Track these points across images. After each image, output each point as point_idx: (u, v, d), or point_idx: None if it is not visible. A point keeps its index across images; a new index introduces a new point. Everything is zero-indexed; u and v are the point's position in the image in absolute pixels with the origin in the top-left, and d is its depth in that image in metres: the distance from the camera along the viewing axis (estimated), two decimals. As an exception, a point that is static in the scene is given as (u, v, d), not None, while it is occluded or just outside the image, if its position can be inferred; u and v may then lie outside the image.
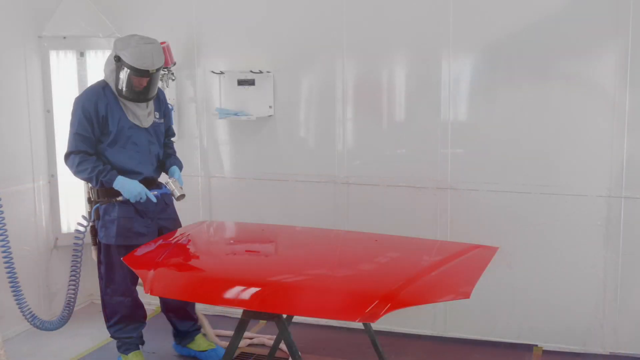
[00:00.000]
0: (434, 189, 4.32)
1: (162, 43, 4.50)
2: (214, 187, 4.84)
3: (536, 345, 4.25)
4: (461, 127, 4.24)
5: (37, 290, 4.65)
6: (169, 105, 4.75)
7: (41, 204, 4.67)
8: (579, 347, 4.17)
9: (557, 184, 4.08)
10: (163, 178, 4.00)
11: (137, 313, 3.96)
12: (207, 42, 4.71)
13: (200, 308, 4.86)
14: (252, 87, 4.59)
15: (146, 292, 3.01)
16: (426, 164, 4.32)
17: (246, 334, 4.41)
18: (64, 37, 4.69)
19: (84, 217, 3.80)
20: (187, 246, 3.63)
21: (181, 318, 4.13)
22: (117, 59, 3.64)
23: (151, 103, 3.86)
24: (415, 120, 4.34)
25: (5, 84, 4.41)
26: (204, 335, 4.23)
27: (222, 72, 4.66)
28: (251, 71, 4.54)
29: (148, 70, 3.63)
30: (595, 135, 3.99)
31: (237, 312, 4.14)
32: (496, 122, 4.17)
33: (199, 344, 4.15)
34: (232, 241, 3.97)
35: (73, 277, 3.87)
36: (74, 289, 3.90)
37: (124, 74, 3.65)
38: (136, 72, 3.63)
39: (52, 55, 4.68)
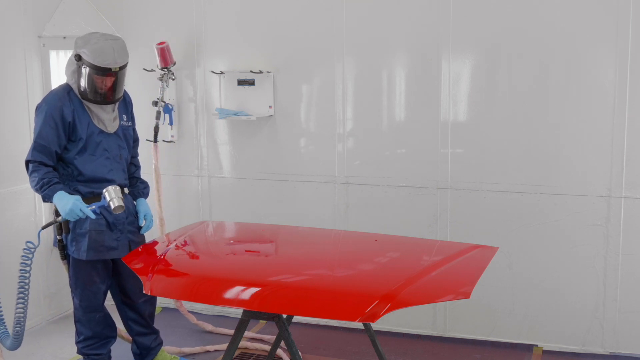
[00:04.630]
0: (434, 189, 4.32)
1: (162, 43, 4.53)
2: (214, 187, 4.84)
3: (536, 345, 4.25)
4: (461, 127, 4.24)
5: (37, 290, 4.65)
6: (169, 106, 4.76)
7: (41, 204, 4.66)
8: (579, 347, 4.17)
9: (557, 184, 4.08)
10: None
11: (107, 329, 3.81)
12: (207, 42, 4.71)
13: (200, 308, 4.88)
14: (252, 87, 4.59)
15: (146, 292, 3.01)
16: (426, 164, 4.32)
17: (247, 334, 4.41)
18: (64, 37, 4.69)
19: (29, 242, 3.42)
20: (187, 246, 3.63)
21: (145, 334, 3.94)
22: (78, 57, 3.42)
23: (117, 106, 3.65)
24: (415, 120, 4.34)
25: (5, 84, 4.41)
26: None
27: (222, 72, 4.66)
28: (251, 71, 4.54)
29: (110, 69, 3.40)
30: (595, 135, 4.00)
31: (237, 312, 4.14)
32: (496, 122, 4.17)
33: (163, 358, 4.00)
34: (232, 241, 3.97)
35: (21, 298, 3.50)
36: (22, 308, 3.51)
37: (85, 74, 3.43)
38: (98, 71, 3.40)
39: (52, 55, 4.68)
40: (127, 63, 3.52)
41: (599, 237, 4.05)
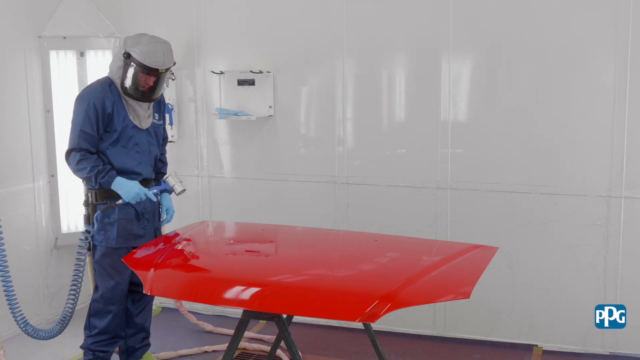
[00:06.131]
0: (434, 189, 4.32)
1: (162, 43, 4.52)
2: (214, 187, 4.84)
3: (536, 345, 4.25)
4: (461, 127, 4.24)
5: (37, 290, 4.66)
6: (169, 106, 4.77)
7: (41, 204, 4.67)
8: (579, 347, 4.17)
9: (557, 184, 4.08)
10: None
11: (120, 327, 3.83)
12: (207, 42, 4.71)
13: (200, 308, 4.88)
14: (252, 87, 4.59)
15: (146, 292, 3.00)
16: (426, 164, 4.32)
17: (246, 333, 4.41)
18: (64, 37, 4.69)
19: (87, 226, 3.69)
20: (187, 246, 3.63)
21: (134, 332, 3.96)
22: (127, 55, 3.58)
23: (152, 105, 3.81)
24: (415, 120, 4.34)
25: (5, 84, 4.41)
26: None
27: (222, 72, 4.66)
28: (251, 71, 4.54)
29: (158, 69, 3.60)
30: (595, 135, 4.00)
31: (237, 312, 4.14)
32: (496, 122, 4.17)
33: None
34: (232, 241, 3.97)
35: (73, 291, 3.74)
36: (72, 303, 3.75)
37: (131, 72, 3.60)
38: (145, 70, 3.58)
39: (52, 55, 4.68)
40: (172, 65, 3.70)
41: (599, 237, 4.05)
